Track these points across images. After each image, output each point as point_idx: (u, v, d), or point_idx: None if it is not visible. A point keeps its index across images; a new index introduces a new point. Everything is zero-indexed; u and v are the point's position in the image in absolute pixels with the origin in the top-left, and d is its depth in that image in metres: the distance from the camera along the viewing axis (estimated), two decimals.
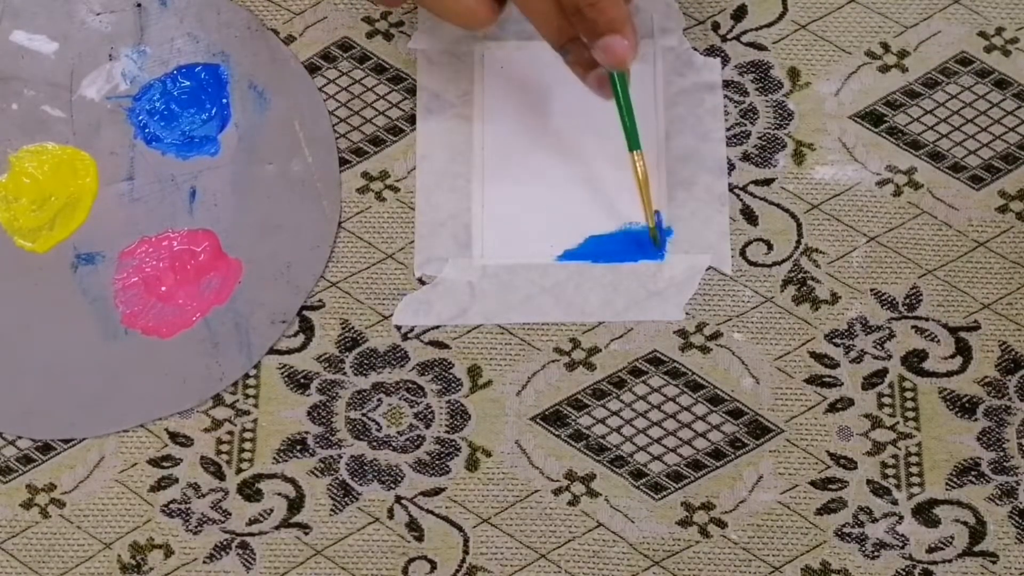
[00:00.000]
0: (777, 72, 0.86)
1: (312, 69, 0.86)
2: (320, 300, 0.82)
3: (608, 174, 0.83)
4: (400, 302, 0.81)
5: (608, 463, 0.78)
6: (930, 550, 0.76)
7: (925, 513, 0.77)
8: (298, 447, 0.79)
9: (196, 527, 0.77)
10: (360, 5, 0.88)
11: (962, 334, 0.80)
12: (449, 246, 0.82)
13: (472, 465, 0.78)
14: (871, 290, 0.81)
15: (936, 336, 0.80)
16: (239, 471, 0.78)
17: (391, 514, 0.77)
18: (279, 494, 0.78)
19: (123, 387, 0.80)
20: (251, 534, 0.77)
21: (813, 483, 0.78)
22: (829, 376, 0.80)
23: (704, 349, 0.80)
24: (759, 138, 0.85)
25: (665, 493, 0.78)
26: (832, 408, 0.79)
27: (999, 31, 0.87)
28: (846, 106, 0.85)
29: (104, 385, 0.80)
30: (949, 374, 0.80)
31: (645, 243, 0.82)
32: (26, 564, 0.77)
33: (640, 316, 0.81)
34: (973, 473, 0.78)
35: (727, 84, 0.86)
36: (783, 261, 0.82)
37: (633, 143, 0.80)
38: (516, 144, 0.84)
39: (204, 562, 0.77)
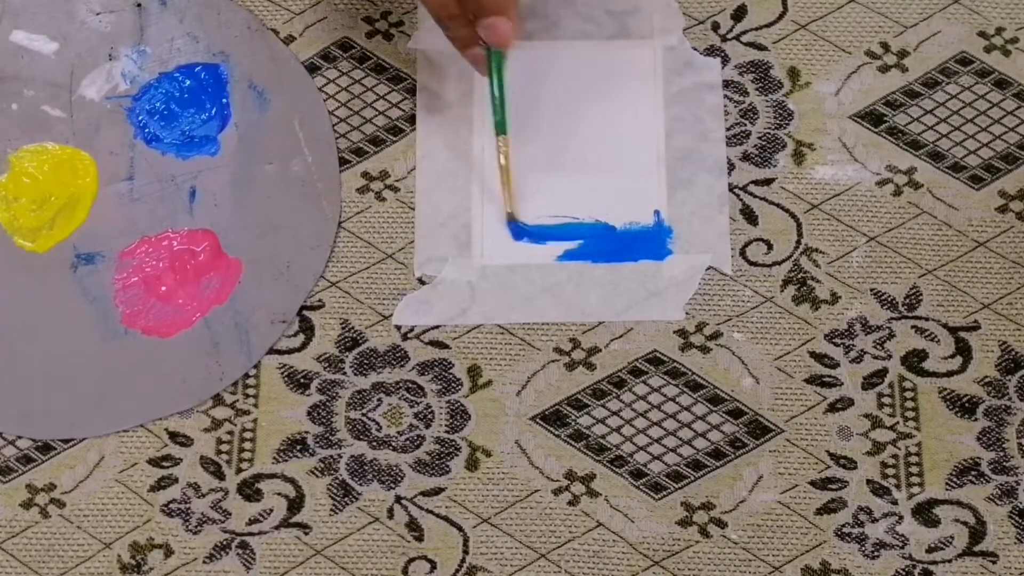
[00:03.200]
0: (777, 72, 0.86)
1: (312, 69, 0.86)
2: (320, 300, 0.82)
3: (607, 174, 0.83)
4: (400, 302, 0.81)
5: (608, 463, 0.78)
6: (930, 550, 0.76)
7: (925, 513, 0.77)
8: (298, 447, 0.79)
9: (196, 527, 0.77)
10: (360, 5, 0.88)
11: (962, 334, 0.80)
12: (449, 246, 0.82)
13: (472, 465, 0.78)
14: (871, 290, 0.81)
15: (936, 336, 0.80)
16: (239, 471, 0.78)
17: (391, 514, 0.77)
18: (279, 494, 0.78)
19: (123, 387, 0.80)
20: (251, 534, 0.77)
21: (813, 483, 0.78)
22: (829, 376, 0.80)
23: (704, 349, 0.80)
24: (759, 138, 0.85)
25: (665, 493, 0.78)
26: (832, 408, 0.79)
27: (999, 31, 0.87)
28: (846, 106, 0.85)
29: (104, 385, 0.80)
30: (949, 374, 0.80)
31: (645, 243, 0.82)
32: (26, 564, 0.77)
33: (640, 316, 0.81)
34: (973, 473, 0.78)
35: (727, 84, 0.86)
36: (783, 261, 0.82)
37: (500, 127, 0.81)
38: (516, 144, 0.84)
39: (204, 562, 0.77)
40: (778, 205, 0.83)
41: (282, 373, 0.80)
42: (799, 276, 0.82)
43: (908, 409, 0.79)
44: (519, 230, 0.82)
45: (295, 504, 0.78)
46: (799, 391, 0.79)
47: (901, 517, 0.77)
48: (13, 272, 0.82)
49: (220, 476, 0.78)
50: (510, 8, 0.78)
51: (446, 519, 0.77)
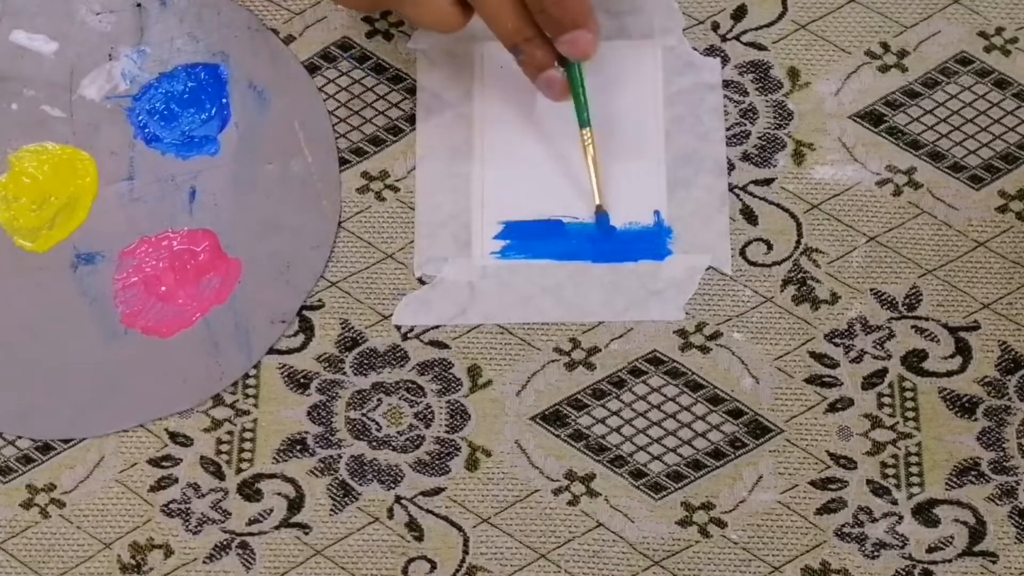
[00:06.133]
0: (777, 72, 0.86)
1: (312, 69, 0.86)
2: (320, 300, 0.82)
3: (607, 174, 0.83)
4: (400, 302, 0.81)
5: (608, 463, 0.78)
6: (930, 550, 0.76)
7: (925, 513, 0.77)
8: (298, 447, 0.79)
9: (196, 527, 0.77)
10: None
11: (962, 334, 0.80)
12: (449, 246, 0.82)
13: (472, 465, 0.78)
14: (871, 290, 0.81)
15: (936, 336, 0.80)
16: (239, 471, 0.78)
17: (391, 514, 0.77)
18: (279, 494, 0.78)
19: (123, 387, 0.80)
20: (251, 534, 0.77)
21: (813, 483, 0.78)
22: (829, 376, 0.80)
23: (704, 349, 0.80)
24: (759, 138, 0.85)
25: (665, 493, 0.78)
26: (832, 408, 0.79)
27: (999, 31, 0.87)
28: (846, 106, 0.85)
29: (104, 385, 0.80)
30: (949, 374, 0.80)
31: (645, 243, 0.82)
32: (26, 564, 0.77)
33: (640, 316, 0.81)
34: (973, 473, 0.78)
35: (727, 84, 0.86)
36: (783, 261, 0.82)
37: (584, 120, 0.81)
38: (516, 144, 0.84)
39: (204, 562, 0.77)
40: (778, 205, 0.83)
41: (282, 373, 0.80)
42: (799, 276, 0.82)
43: (908, 409, 0.79)
44: (606, 224, 0.81)
45: (295, 504, 0.78)
46: (799, 391, 0.79)
47: (901, 517, 0.77)
48: (13, 272, 0.82)
49: (220, 476, 0.78)
50: (588, 20, 0.77)
51: (446, 519, 0.77)
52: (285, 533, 0.77)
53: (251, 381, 0.80)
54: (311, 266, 0.82)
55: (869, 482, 0.78)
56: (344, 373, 0.80)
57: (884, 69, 0.86)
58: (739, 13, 0.87)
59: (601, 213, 0.82)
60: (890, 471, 0.78)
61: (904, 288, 0.81)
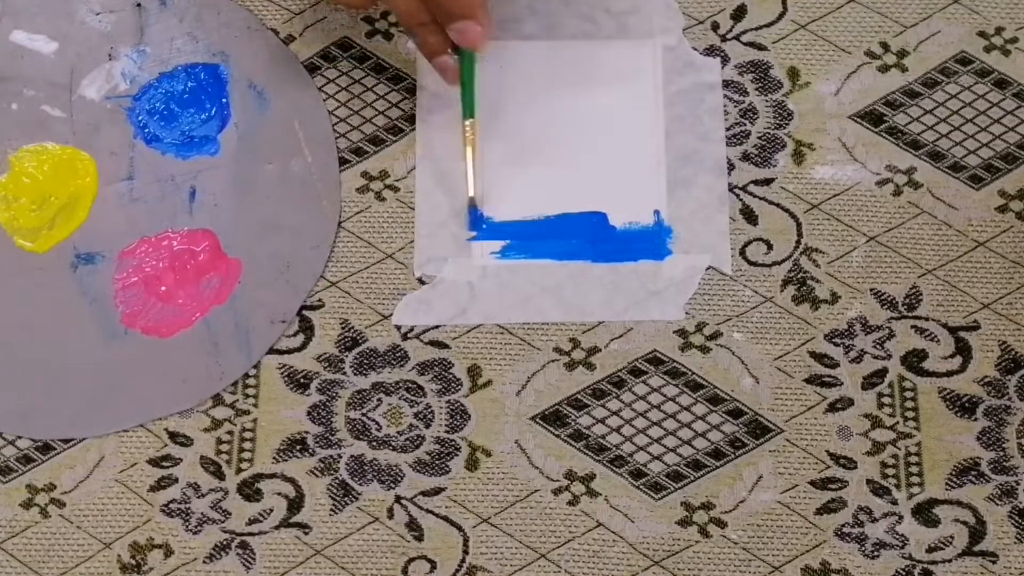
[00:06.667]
0: (777, 72, 0.86)
1: (312, 69, 0.86)
2: (320, 300, 0.82)
3: (607, 174, 0.83)
4: (400, 302, 0.81)
5: (608, 463, 0.78)
6: (930, 550, 0.76)
7: (925, 513, 0.77)
8: (298, 447, 0.79)
9: (196, 527, 0.77)
10: None
11: (962, 334, 0.80)
12: (449, 246, 0.82)
13: (472, 465, 0.78)
14: (871, 290, 0.81)
15: (936, 336, 0.80)
16: (239, 471, 0.78)
17: (391, 514, 0.77)
18: (279, 494, 0.78)
19: (123, 387, 0.80)
20: (251, 534, 0.77)
21: (813, 483, 0.78)
22: (829, 376, 0.80)
23: (704, 349, 0.80)
24: (759, 138, 0.85)
25: (665, 493, 0.78)
26: (832, 408, 0.79)
27: (999, 31, 0.87)
28: (846, 106, 0.85)
29: (104, 385, 0.80)
30: (949, 374, 0.80)
31: (645, 243, 0.82)
32: (26, 564, 0.77)
33: (640, 316, 0.81)
34: (973, 473, 0.78)
35: (727, 84, 0.86)
36: (783, 261, 0.82)
37: (468, 111, 0.82)
38: (515, 144, 0.84)
39: (204, 562, 0.77)
40: (778, 205, 0.83)
41: (282, 373, 0.80)
42: (799, 276, 0.82)
43: (908, 409, 0.79)
44: (478, 219, 0.82)
45: (295, 504, 0.78)
46: (799, 391, 0.79)
47: (901, 517, 0.77)
48: (13, 272, 0.82)
49: (220, 476, 0.78)
50: (478, 11, 0.80)
51: (446, 519, 0.77)
52: (285, 533, 0.77)
53: (251, 381, 0.80)
54: (311, 266, 0.82)
55: (869, 482, 0.78)
56: (344, 373, 0.80)
57: (884, 69, 0.86)
58: (739, 13, 0.87)
59: (472, 207, 0.82)
60: (890, 471, 0.78)
61: (904, 288, 0.81)
